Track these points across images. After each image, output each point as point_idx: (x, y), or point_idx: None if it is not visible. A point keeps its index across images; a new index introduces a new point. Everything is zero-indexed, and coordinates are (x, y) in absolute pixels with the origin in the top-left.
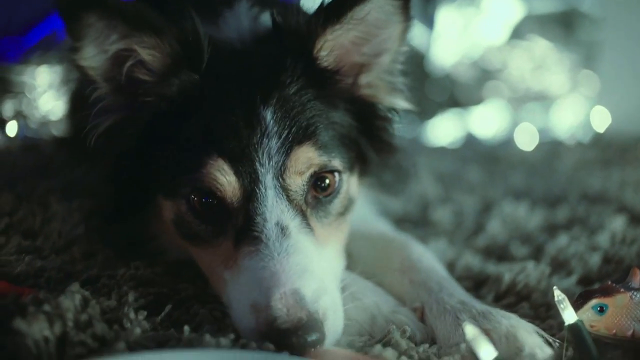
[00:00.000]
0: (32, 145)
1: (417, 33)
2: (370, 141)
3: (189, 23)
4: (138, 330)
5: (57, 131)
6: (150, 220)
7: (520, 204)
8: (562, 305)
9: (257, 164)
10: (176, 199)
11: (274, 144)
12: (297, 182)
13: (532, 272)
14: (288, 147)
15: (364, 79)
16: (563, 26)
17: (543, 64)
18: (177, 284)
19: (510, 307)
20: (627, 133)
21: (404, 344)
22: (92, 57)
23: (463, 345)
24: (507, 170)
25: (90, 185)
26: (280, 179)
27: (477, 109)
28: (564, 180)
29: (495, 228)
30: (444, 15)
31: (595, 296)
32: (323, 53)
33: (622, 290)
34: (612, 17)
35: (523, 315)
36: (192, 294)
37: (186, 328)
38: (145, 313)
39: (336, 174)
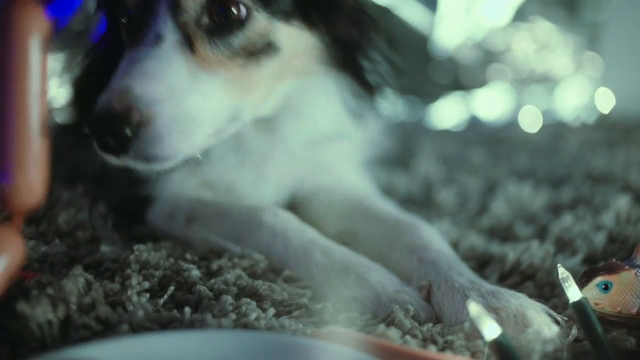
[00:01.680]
0: None
1: (420, 16)
2: None
3: None
4: (141, 313)
5: (61, 118)
6: None
7: (524, 184)
8: (566, 284)
9: None
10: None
11: None
12: (189, 2)
13: (536, 251)
14: None
15: None
16: (566, 7)
17: (546, 45)
18: (181, 265)
19: (515, 287)
20: (631, 114)
21: (407, 323)
22: None
23: (467, 324)
24: (511, 152)
25: (94, 172)
26: None
27: (480, 92)
28: (568, 161)
29: (499, 208)
30: None
31: (600, 274)
32: None
33: (626, 267)
34: None
35: (528, 295)
36: (194, 275)
37: (187, 309)
38: (148, 295)
39: (241, 7)
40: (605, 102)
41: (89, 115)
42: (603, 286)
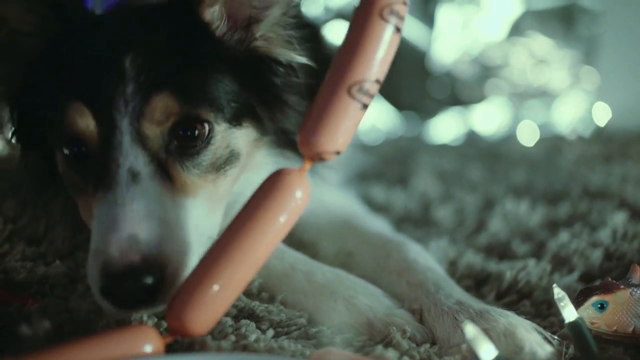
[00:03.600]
0: None
1: (417, 32)
2: (261, 96)
3: None
4: None
5: None
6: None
7: (521, 201)
8: (562, 303)
9: (114, 110)
10: (58, 152)
11: (130, 89)
12: (156, 130)
13: (533, 269)
14: (145, 94)
15: (256, 31)
16: (563, 22)
17: (543, 60)
18: None
19: (512, 305)
20: (628, 128)
21: (405, 344)
22: None
23: (464, 346)
24: (508, 167)
25: None
26: (137, 126)
27: (478, 107)
28: (565, 176)
29: (496, 226)
30: (444, 14)
31: (596, 293)
32: (207, 5)
33: (622, 286)
34: (612, 12)
35: (524, 313)
36: None
37: None
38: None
39: (205, 125)
40: (602, 116)
41: (101, 279)
42: (599, 305)
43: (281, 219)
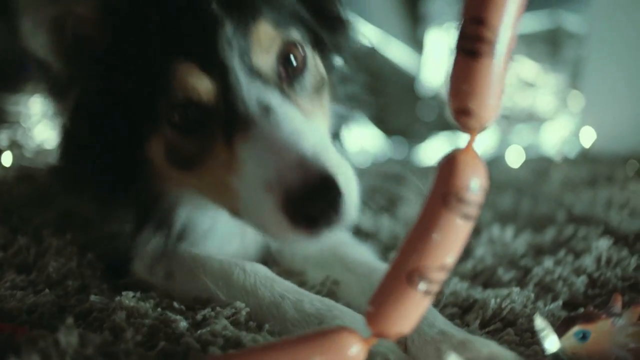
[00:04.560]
0: (27, 174)
1: (406, 56)
2: (320, 18)
3: None
4: None
5: (52, 160)
6: (149, 178)
7: (507, 226)
8: (543, 334)
9: (221, 52)
10: (160, 129)
11: (228, 27)
12: (266, 59)
13: (517, 297)
14: (244, 27)
15: None
16: (549, 45)
17: (530, 83)
18: (169, 316)
19: (496, 333)
20: (613, 151)
21: None
22: (33, 32)
23: None
24: (495, 191)
25: (84, 218)
26: (248, 60)
27: None
28: (550, 200)
29: (482, 253)
30: (432, 39)
31: (577, 322)
32: None
33: (604, 316)
34: (596, 35)
35: (508, 342)
36: (182, 326)
37: None
38: (142, 350)
39: (299, 47)
40: (587, 138)
41: (288, 208)
42: (581, 335)
43: None
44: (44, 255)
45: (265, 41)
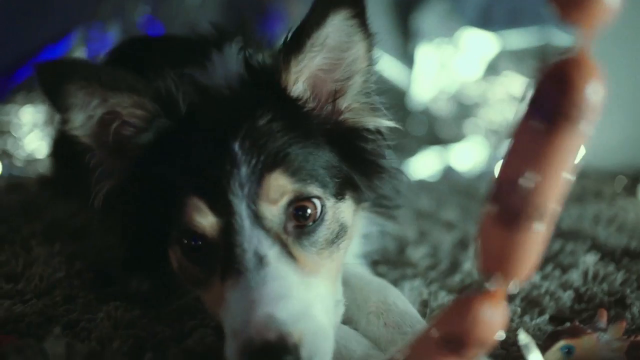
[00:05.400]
0: (17, 184)
1: (396, 71)
2: (357, 166)
3: (164, 81)
4: None
5: (43, 169)
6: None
7: None
8: (526, 350)
9: (230, 195)
10: (173, 246)
11: (243, 172)
12: (272, 210)
13: None
14: (259, 175)
15: (341, 104)
16: (538, 61)
17: (520, 99)
18: (155, 326)
19: None
20: (601, 168)
21: None
22: (81, 125)
23: None
24: (484, 205)
25: (73, 228)
26: (255, 208)
27: (456, 145)
28: None
29: (470, 267)
30: (423, 54)
31: (563, 337)
32: (292, 84)
33: (589, 331)
34: None
35: (496, 356)
36: (169, 336)
37: None
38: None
39: (316, 201)
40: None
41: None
42: (566, 350)
43: None
44: (32, 265)
45: (273, 192)
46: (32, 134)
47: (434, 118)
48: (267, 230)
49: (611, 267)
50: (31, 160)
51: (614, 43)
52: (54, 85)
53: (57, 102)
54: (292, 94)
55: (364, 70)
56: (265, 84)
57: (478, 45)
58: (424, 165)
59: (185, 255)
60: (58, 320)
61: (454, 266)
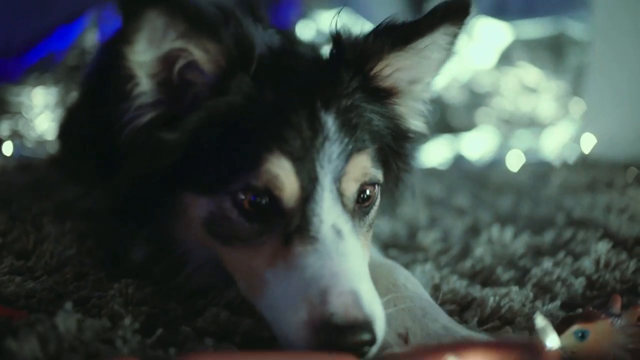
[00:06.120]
0: (27, 164)
1: None
2: (397, 160)
3: (240, 26)
4: (126, 351)
5: (53, 150)
6: (172, 222)
7: (507, 227)
8: (543, 333)
9: (318, 166)
10: (216, 195)
11: (335, 148)
12: (352, 188)
13: (516, 296)
14: (348, 154)
15: (401, 101)
16: (551, 51)
17: (532, 89)
18: (166, 304)
19: (495, 331)
20: (613, 157)
21: None
22: (143, 52)
23: None
24: (495, 193)
25: (83, 207)
26: (338, 184)
27: (467, 135)
28: (550, 204)
29: (482, 252)
30: None
31: (577, 322)
32: (380, 73)
33: (603, 316)
34: (599, 42)
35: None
36: (180, 314)
37: (172, 350)
38: (139, 337)
39: (376, 187)
40: (587, 144)
41: (318, 329)
42: (580, 334)
43: None
44: (43, 242)
45: (358, 172)
46: (43, 115)
47: (445, 106)
48: (344, 206)
49: (623, 255)
50: (42, 142)
51: (627, 36)
52: (135, 6)
53: (130, 21)
54: (377, 82)
55: (428, 80)
56: (352, 62)
57: (491, 34)
58: (435, 153)
59: (238, 209)
60: (69, 297)
61: (465, 251)
